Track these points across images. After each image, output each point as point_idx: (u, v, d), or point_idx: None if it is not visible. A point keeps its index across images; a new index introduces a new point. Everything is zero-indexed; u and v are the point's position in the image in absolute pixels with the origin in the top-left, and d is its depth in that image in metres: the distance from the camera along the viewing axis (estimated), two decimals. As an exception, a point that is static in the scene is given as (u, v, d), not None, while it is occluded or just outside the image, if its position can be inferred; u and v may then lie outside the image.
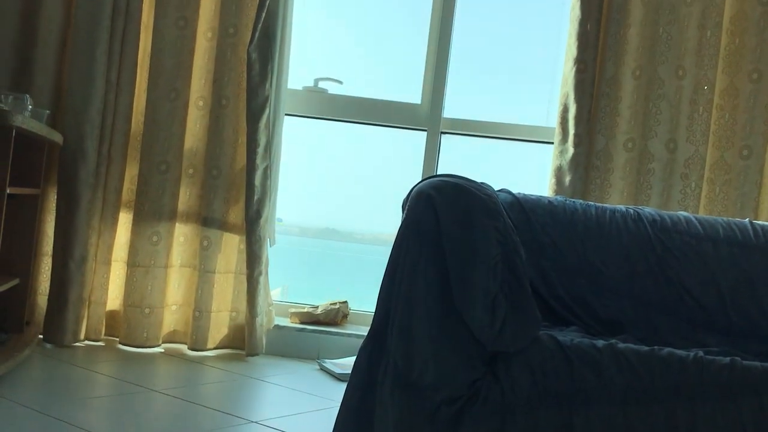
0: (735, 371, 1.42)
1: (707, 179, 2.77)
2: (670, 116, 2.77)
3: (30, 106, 2.39)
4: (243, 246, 2.88)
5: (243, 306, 2.90)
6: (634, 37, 2.78)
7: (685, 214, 2.07)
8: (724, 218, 2.08)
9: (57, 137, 2.57)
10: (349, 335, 2.99)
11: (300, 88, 3.20)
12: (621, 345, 1.46)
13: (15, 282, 2.46)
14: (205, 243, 2.85)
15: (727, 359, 1.45)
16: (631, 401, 1.40)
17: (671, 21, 2.77)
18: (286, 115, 3.04)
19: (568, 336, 1.54)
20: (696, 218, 2.04)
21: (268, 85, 2.81)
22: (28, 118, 2.22)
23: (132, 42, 2.81)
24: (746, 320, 1.87)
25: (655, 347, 1.47)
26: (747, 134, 2.74)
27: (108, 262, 2.84)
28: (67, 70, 2.79)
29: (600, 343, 1.47)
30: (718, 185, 2.76)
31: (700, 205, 2.75)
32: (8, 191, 2.19)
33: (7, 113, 2.08)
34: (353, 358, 2.82)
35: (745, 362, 1.45)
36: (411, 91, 3.16)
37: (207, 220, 2.86)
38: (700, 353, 1.46)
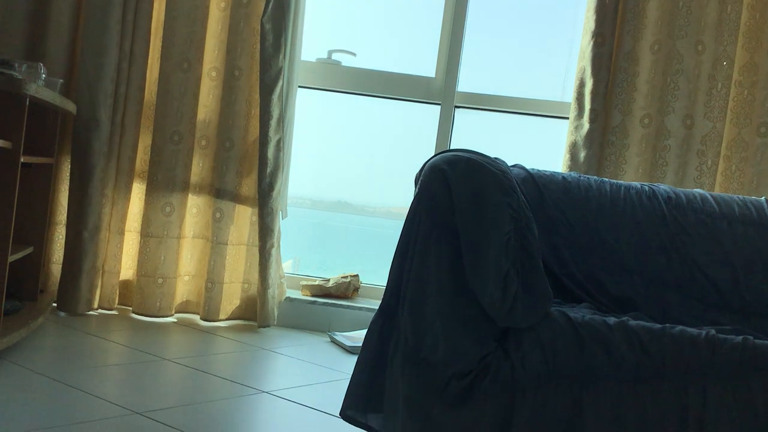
0: (747, 350, 1.42)
1: (724, 156, 2.74)
2: (688, 92, 2.73)
3: (44, 75, 2.39)
4: (255, 218, 2.89)
5: (255, 278, 2.91)
6: (653, 10, 2.73)
7: (700, 191, 2.05)
8: (740, 196, 2.06)
9: (70, 106, 2.57)
10: (360, 308, 3.00)
11: (313, 59, 3.18)
12: (632, 322, 1.46)
13: (29, 250, 2.47)
14: (218, 215, 2.86)
15: (740, 338, 1.44)
16: (642, 379, 1.40)
17: (691, -5, 2.72)
18: (299, 87, 3.03)
19: (580, 312, 1.54)
20: (711, 196, 2.02)
21: (281, 57, 2.79)
22: (41, 87, 2.22)
23: (145, 11, 2.80)
24: (759, 299, 1.86)
25: (667, 325, 1.47)
26: (765, 111, 2.70)
27: (121, 232, 2.85)
28: (80, 39, 2.78)
29: (611, 320, 1.46)
30: (734, 162, 2.73)
31: (716, 183, 2.73)
32: (22, 160, 2.19)
33: (20, 82, 2.08)
34: (364, 332, 2.83)
35: (757, 341, 1.44)
36: (425, 65, 3.13)
37: (220, 191, 2.87)
38: (712, 332, 1.45)
